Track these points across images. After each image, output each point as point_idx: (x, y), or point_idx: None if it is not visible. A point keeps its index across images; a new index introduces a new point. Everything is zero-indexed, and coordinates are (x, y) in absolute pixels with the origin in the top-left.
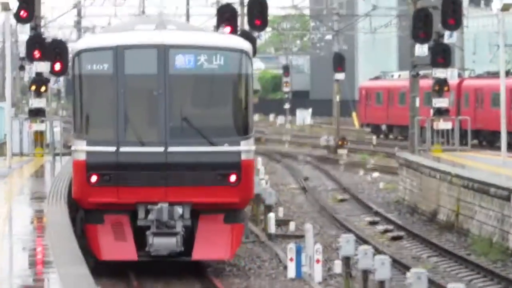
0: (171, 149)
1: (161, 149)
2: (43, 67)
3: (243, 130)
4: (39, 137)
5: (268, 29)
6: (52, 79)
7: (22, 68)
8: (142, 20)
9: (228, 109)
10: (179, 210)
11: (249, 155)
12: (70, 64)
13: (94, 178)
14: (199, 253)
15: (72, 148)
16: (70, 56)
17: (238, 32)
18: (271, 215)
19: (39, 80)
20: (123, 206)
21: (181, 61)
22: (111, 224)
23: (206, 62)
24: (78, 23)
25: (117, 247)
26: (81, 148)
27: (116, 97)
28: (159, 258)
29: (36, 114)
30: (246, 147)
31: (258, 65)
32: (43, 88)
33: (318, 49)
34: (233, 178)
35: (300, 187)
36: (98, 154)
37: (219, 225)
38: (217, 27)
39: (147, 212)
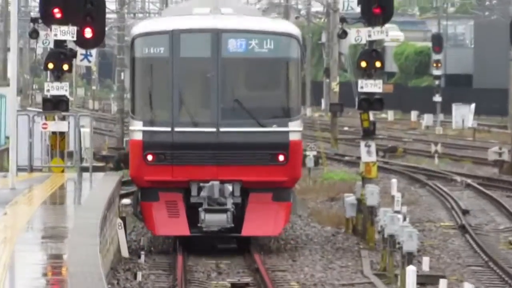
0: (222, 129)
1: (213, 129)
2: (66, 33)
3: (292, 112)
4: (58, 142)
5: None
6: (80, 52)
7: (34, 34)
8: (199, 3)
9: (277, 92)
10: (229, 187)
11: (297, 135)
12: (129, 47)
13: (150, 157)
14: (248, 230)
15: (130, 128)
16: (127, 38)
17: None
18: (411, 268)
19: (60, 54)
20: (177, 184)
21: (233, 45)
22: (165, 202)
23: (257, 46)
24: None
25: (171, 223)
26: (138, 128)
27: (171, 79)
28: (210, 233)
29: (55, 106)
30: (294, 128)
31: (394, 34)
32: (65, 67)
33: (486, 11)
34: (281, 157)
35: (456, 225)
36: (154, 133)
37: (268, 203)
38: None
39: (200, 189)
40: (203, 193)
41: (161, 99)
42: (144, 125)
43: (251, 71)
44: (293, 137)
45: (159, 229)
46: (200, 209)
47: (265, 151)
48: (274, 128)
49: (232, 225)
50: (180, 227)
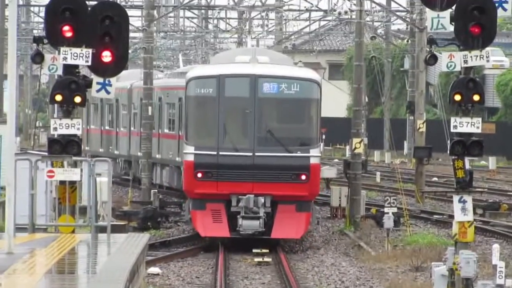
0: (257, 154)
1: (250, 154)
2: (79, 56)
3: (312, 141)
4: (67, 194)
5: None
6: (96, 81)
7: (38, 58)
8: (240, 51)
9: (301, 125)
10: (262, 200)
11: (316, 160)
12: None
13: (199, 174)
14: (276, 233)
15: (184, 151)
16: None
17: None
18: None
19: (71, 83)
20: (220, 196)
21: (267, 88)
22: (211, 210)
23: (285, 88)
24: None
25: (215, 227)
26: (190, 151)
27: (218, 113)
28: (245, 235)
29: (63, 149)
30: (314, 154)
31: (497, 59)
32: (77, 99)
33: None
34: (303, 177)
35: None
36: (203, 156)
37: (292, 212)
38: None
39: (238, 201)
40: (241, 204)
41: (209, 129)
42: (196, 149)
43: (280, 108)
44: (313, 161)
45: (206, 232)
46: (238, 216)
47: (290, 172)
48: (298, 154)
49: (264, 229)
50: (222, 230)
